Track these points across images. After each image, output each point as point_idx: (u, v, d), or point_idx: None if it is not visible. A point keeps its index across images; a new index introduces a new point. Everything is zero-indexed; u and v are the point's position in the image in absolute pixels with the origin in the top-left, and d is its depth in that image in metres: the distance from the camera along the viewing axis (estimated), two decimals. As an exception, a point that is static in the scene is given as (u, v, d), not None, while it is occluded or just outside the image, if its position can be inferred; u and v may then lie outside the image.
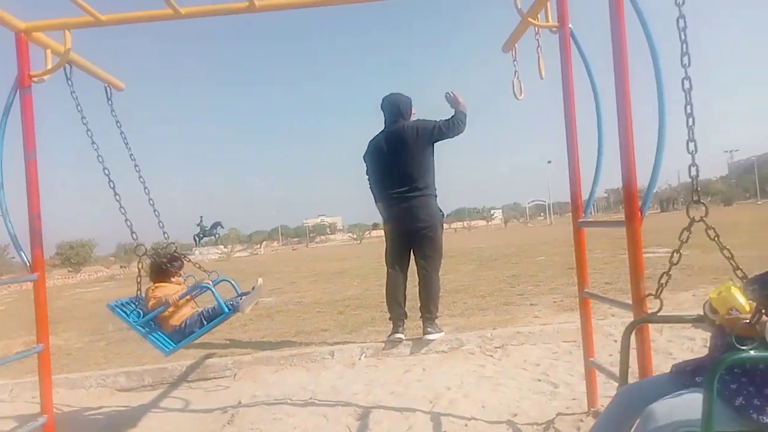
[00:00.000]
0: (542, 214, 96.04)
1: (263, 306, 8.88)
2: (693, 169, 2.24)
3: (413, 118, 5.42)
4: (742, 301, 1.88)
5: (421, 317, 5.38)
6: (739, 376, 1.86)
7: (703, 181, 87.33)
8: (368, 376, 4.81)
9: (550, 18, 3.33)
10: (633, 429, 1.99)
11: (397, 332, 5.36)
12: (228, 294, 4.20)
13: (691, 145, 2.20)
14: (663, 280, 2.42)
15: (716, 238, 2.28)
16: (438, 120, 5.24)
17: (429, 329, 5.28)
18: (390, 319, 5.47)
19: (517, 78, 3.89)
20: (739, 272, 2.28)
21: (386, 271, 5.56)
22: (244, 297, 4.10)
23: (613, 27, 2.53)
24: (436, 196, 5.39)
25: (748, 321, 1.81)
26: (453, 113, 5.24)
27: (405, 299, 5.48)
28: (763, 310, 1.82)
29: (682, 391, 1.93)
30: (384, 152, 5.34)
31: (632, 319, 2.60)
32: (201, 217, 57.62)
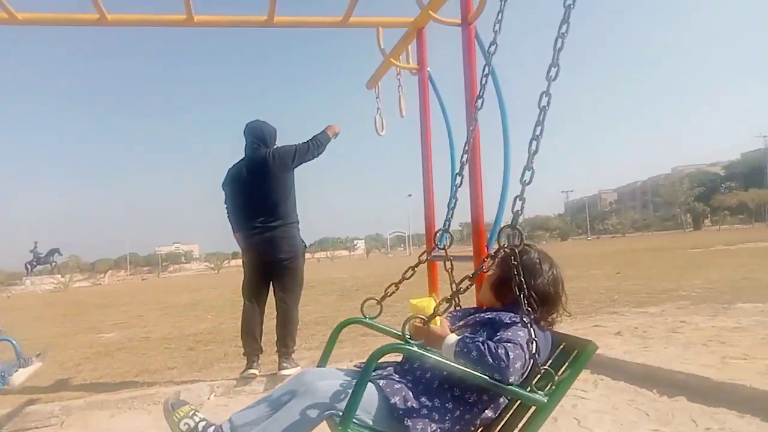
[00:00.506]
0: (402, 245, 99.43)
1: (101, 343, 8.08)
2: (518, 202, 2.07)
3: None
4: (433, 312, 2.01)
5: (276, 351, 5.20)
6: (406, 380, 2.03)
7: (543, 218, 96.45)
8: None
9: (411, 60, 3.48)
10: (292, 399, 2.04)
11: (251, 368, 5.13)
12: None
13: (528, 173, 2.27)
14: (389, 290, 2.64)
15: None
16: (297, 143, 5.18)
17: (285, 364, 5.12)
18: (244, 354, 5.23)
19: (380, 114, 4.00)
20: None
21: (243, 303, 5.33)
22: (20, 369, 3.63)
23: (465, 74, 2.69)
24: (298, 227, 5.30)
25: (423, 323, 1.95)
26: (314, 135, 5.20)
27: (261, 333, 5.28)
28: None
29: (350, 379, 2.09)
30: (245, 180, 5.16)
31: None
32: (35, 242, 51.81)
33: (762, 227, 53.36)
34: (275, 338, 5.21)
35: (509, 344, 1.84)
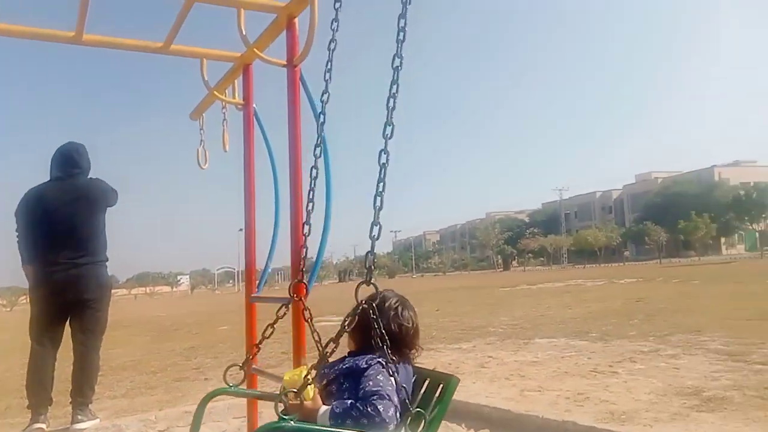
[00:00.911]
0: (231, 280, 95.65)
1: None
2: (370, 256, 2.04)
3: None
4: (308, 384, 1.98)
5: (71, 402, 4.59)
6: None
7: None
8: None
9: (237, 95, 3.40)
10: None
11: (38, 422, 4.44)
12: None
13: (375, 229, 2.28)
14: (252, 353, 2.51)
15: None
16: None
17: (80, 416, 4.52)
18: (29, 406, 4.52)
19: (203, 147, 3.83)
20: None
21: (31, 346, 4.64)
22: None
23: (290, 115, 2.68)
24: (107, 264, 4.83)
25: (296, 395, 1.91)
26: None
27: (53, 381, 4.63)
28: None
29: None
30: (51, 208, 4.58)
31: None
32: None
33: (558, 269, 60.78)
34: (70, 387, 4.60)
35: (375, 398, 1.90)
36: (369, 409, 1.87)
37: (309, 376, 1.92)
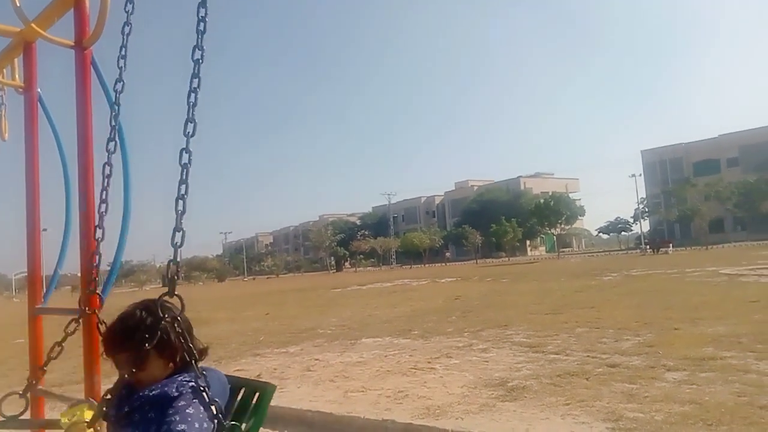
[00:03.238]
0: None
1: None
2: (173, 265, 1.87)
3: None
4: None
5: None
6: None
7: (202, 258, 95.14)
8: None
9: (17, 77, 2.92)
10: None
11: None
12: None
13: (178, 235, 2.05)
14: (34, 378, 2.27)
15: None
16: None
17: None
18: None
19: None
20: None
21: None
22: None
23: (78, 103, 2.35)
24: None
25: None
26: None
27: None
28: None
29: None
30: None
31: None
32: None
33: (387, 270, 63.25)
34: None
35: None
36: None
37: (99, 413, 1.67)
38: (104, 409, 1.72)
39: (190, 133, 1.80)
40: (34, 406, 2.97)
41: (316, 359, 7.73)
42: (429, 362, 6.83)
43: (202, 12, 1.78)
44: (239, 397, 2.10)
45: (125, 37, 2.05)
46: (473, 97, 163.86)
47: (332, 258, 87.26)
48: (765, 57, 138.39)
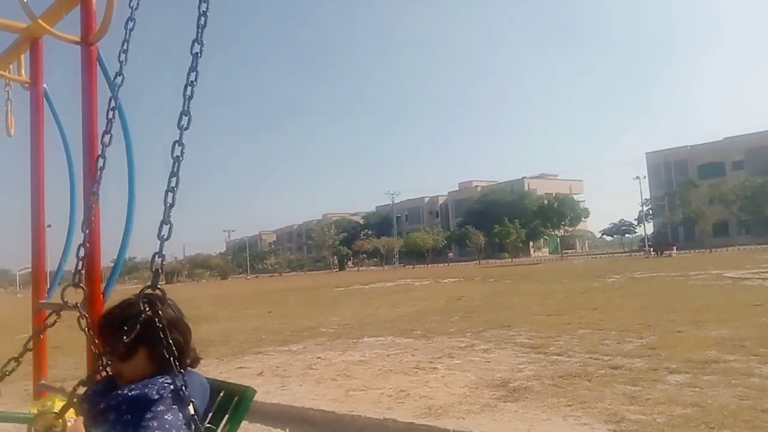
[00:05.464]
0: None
1: None
2: (158, 258, 1.86)
3: None
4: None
5: None
6: None
7: (205, 256, 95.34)
8: None
9: (24, 73, 2.93)
10: None
11: None
12: None
13: (165, 228, 2.10)
14: (9, 367, 2.18)
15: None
16: None
17: None
18: None
19: (-18, 128, 3.26)
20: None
21: None
22: None
23: (84, 99, 2.36)
24: None
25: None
26: None
27: None
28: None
29: None
30: None
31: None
32: None
33: (390, 269, 63.25)
34: None
35: None
36: None
37: (60, 409, 1.62)
38: (75, 401, 1.65)
39: (185, 126, 1.80)
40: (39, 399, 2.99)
41: (318, 358, 7.74)
42: (431, 362, 6.83)
43: (204, 6, 1.79)
44: (218, 399, 2.07)
45: (128, 32, 2.06)
46: (478, 98, 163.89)
47: (335, 257, 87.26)
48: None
